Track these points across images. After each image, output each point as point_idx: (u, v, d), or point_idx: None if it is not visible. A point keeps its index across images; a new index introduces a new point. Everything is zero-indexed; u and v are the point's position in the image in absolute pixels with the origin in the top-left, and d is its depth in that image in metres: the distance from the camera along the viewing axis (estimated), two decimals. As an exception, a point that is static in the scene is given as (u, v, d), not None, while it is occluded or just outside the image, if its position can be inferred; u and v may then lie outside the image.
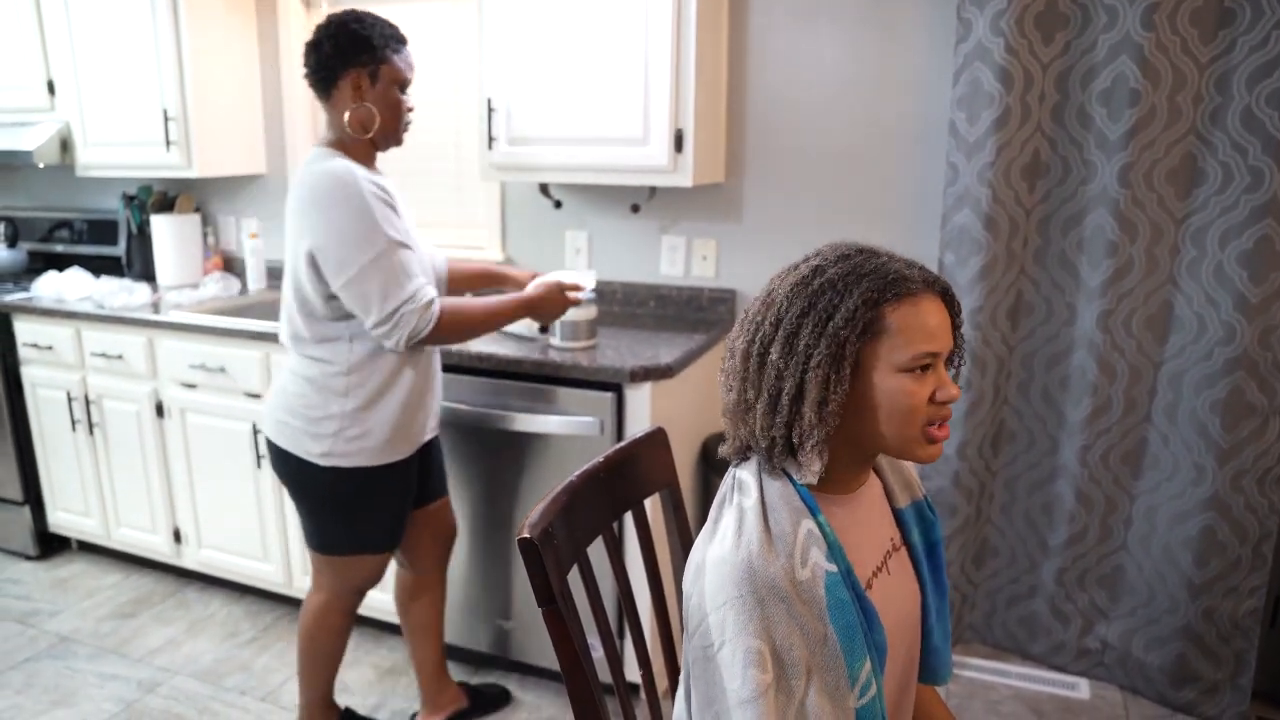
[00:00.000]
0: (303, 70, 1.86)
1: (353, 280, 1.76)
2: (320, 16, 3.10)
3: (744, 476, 1.05)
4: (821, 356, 0.97)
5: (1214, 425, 2.15)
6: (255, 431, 2.64)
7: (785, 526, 1.00)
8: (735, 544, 0.98)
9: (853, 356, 0.97)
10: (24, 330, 3.00)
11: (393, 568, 2.28)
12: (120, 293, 2.93)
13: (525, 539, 1.07)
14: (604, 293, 2.84)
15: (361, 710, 2.37)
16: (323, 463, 1.87)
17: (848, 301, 0.97)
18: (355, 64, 1.81)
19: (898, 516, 1.17)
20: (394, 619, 2.61)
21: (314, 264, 1.79)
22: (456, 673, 2.52)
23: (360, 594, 2.05)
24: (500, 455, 2.32)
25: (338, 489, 1.90)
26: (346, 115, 1.82)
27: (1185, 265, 2.16)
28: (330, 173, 1.76)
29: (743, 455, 1.07)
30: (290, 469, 1.92)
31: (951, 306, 1.03)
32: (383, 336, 1.81)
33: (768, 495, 1.02)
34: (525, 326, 2.37)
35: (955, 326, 1.04)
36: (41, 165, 3.11)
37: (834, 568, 0.99)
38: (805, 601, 0.97)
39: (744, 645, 0.94)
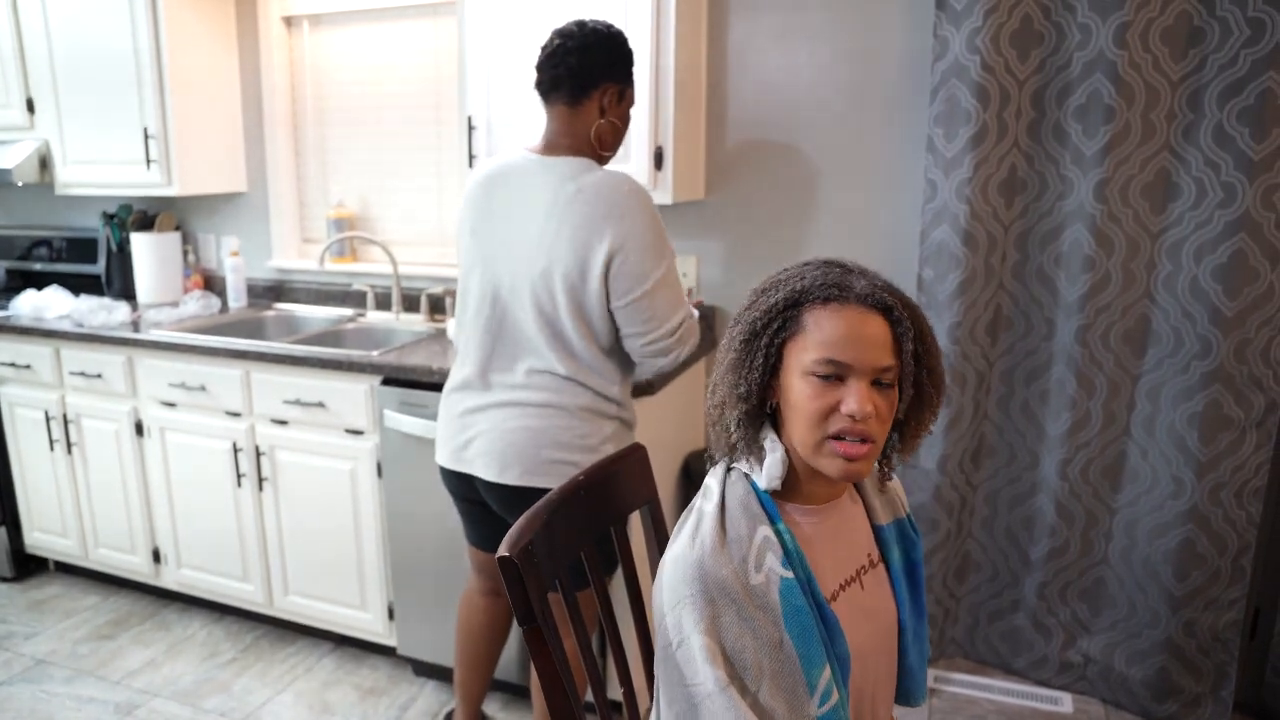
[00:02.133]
0: (550, 69, 1.77)
1: (648, 293, 1.72)
2: (301, 37, 3.12)
3: (709, 482, 1.08)
4: (737, 341, 1.03)
5: (1192, 438, 2.17)
6: (236, 450, 2.62)
7: (741, 531, 1.01)
8: (690, 545, 1.01)
9: (768, 348, 1.01)
10: (1, 349, 2.97)
11: (473, 595, 2.15)
12: (99, 311, 2.91)
13: (505, 557, 1.06)
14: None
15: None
16: None
17: (774, 296, 1.02)
18: (614, 78, 1.78)
19: (878, 533, 1.17)
20: (377, 639, 2.60)
21: (606, 276, 1.71)
22: (439, 692, 2.50)
23: None
24: (482, 473, 2.31)
25: None
26: (595, 127, 1.78)
27: (1161, 280, 2.18)
28: (623, 181, 1.73)
29: (714, 443, 1.11)
30: None
31: (896, 327, 1.00)
32: (660, 352, 1.78)
33: (728, 500, 1.04)
34: None
35: (908, 350, 0.99)
36: (20, 184, 3.09)
37: (789, 574, 1.00)
38: (759, 606, 0.98)
39: (699, 642, 0.96)
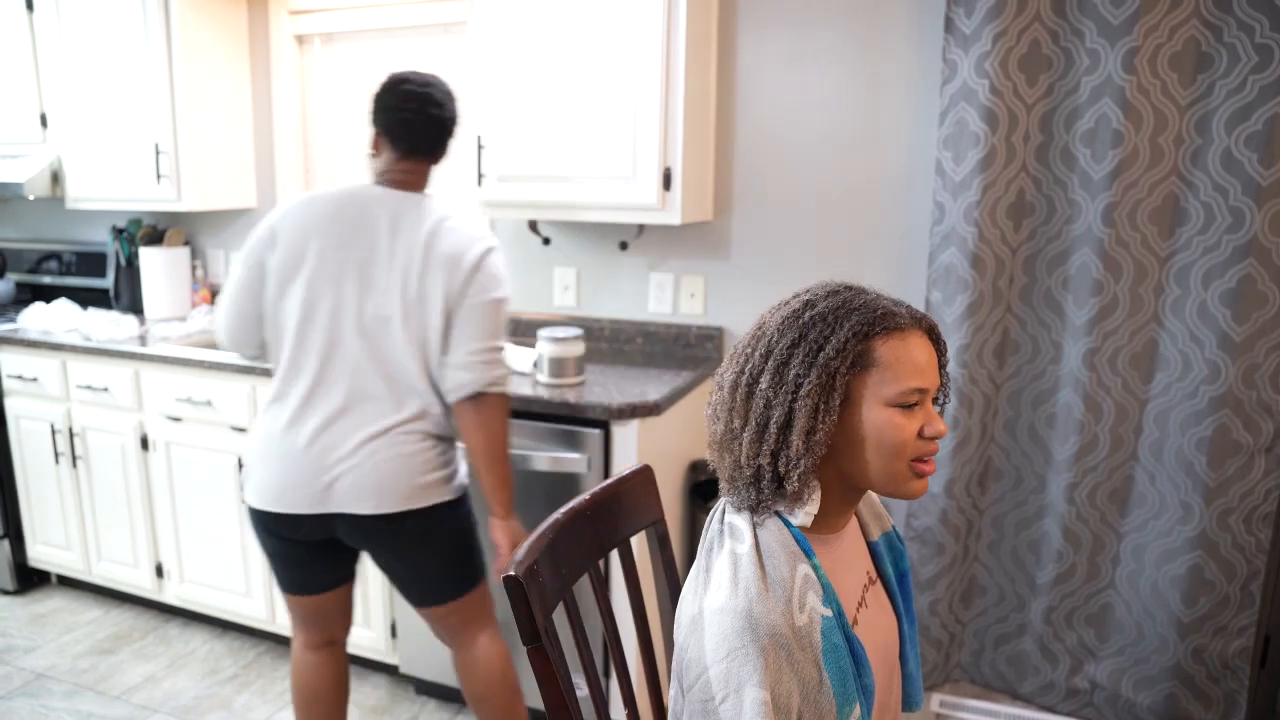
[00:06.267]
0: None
1: (498, 301, 1.87)
2: (313, 54, 3.14)
3: (736, 521, 1.04)
4: (811, 386, 0.97)
5: (1200, 463, 2.16)
6: (240, 465, 2.61)
7: (783, 571, 0.98)
8: (732, 592, 0.97)
9: (842, 388, 0.98)
10: (9, 362, 2.98)
11: (303, 654, 2.03)
12: (107, 325, 2.92)
13: (510, 577, 1.06)
14: (592, 330, 2.84)
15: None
16: (457, 494, 1.90)
17: (838, 333, 0.98)
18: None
19: (871, 549, 1.17)
20: (380, 658, 2.59)
21: (465, 288, 1.83)
22: (441, 710, 2.48)
23: None
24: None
25: (468, 511, 1.95)
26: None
27: (1169, 304, 2.18)
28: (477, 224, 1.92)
29: (732, 488, 1.06)
30: (435, 521, 1.84)
31: (938, 344, 1.04)
32: (468, 367, 1.81)
33: (763, 539, 1.01)
34: (517, 362, 2.37)
35: (941, 365, 1.04)
36: (32, 197, 3.11)
37: (829, 612, 0.99)
38: (803, 648, 0.96)
39: (750, 697, 0.92)
